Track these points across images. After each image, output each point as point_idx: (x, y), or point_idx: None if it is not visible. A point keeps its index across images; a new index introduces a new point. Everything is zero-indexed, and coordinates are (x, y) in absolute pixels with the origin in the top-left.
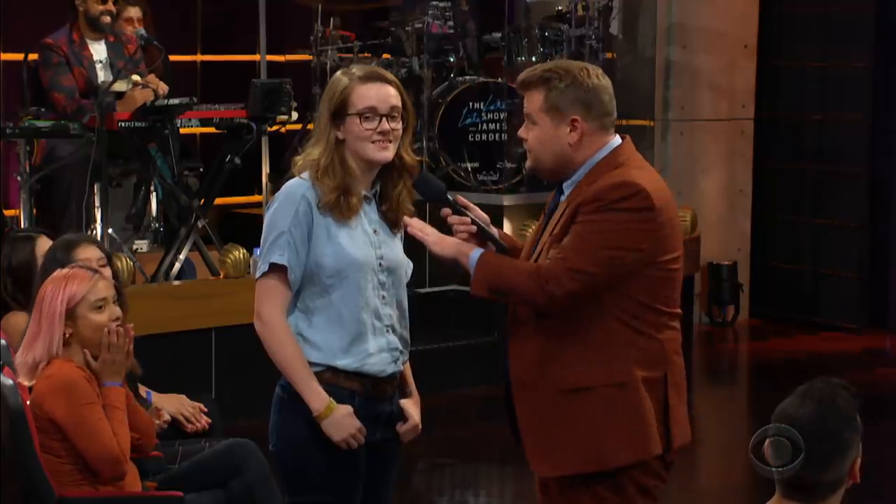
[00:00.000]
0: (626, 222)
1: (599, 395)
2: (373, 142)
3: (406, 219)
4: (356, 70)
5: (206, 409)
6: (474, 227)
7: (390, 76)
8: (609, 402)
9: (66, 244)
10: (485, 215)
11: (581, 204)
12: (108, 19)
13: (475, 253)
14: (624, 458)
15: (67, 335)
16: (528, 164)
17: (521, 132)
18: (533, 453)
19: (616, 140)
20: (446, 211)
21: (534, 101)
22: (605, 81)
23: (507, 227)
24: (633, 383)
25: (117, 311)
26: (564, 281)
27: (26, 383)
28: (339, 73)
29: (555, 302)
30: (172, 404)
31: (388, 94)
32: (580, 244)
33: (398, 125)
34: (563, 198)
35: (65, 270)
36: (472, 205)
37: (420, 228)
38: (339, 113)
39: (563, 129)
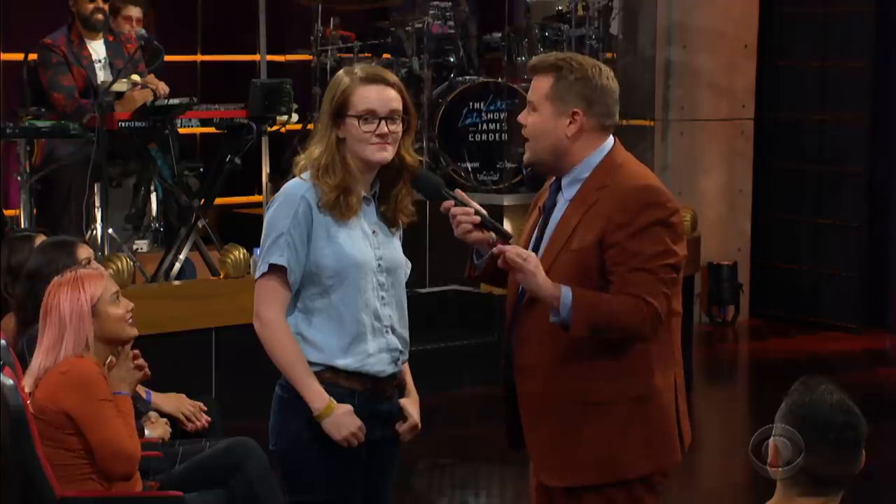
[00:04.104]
0: (664, 233)
1: (620, 408)
2: (371, 143)
3: (503, 248)
4: (358, 70)
5: (205, 409)
6: (478, 218)
7: (392, 78)
8: (629, 414)
9: (61, 245)
10: (483, 210)
11: (609, 220)
12: (100, 17)
13: (567, 293)
14: (643, 468)
15: (92, 335)
16: (525, 156)
17: (521, 117)
18: (545, 465)
19: (611, 141)
20: (448, 203)
21: (539, 88)
22: (614, 84)
23: (508, 228)
24: (653, 395)
25: (129, 302)
26: (662, 310)
27: (28, 389)
28: (341, 72)
29: (658, 331)
30: (172, 403)
31: (388, 97)
32: (650, 269)
33: (397, 127)
34: (561, 196)
35: (70, 273)
36: (470, 199)
37: (518, 257)
38: (340, 113)
39: (563, 120)
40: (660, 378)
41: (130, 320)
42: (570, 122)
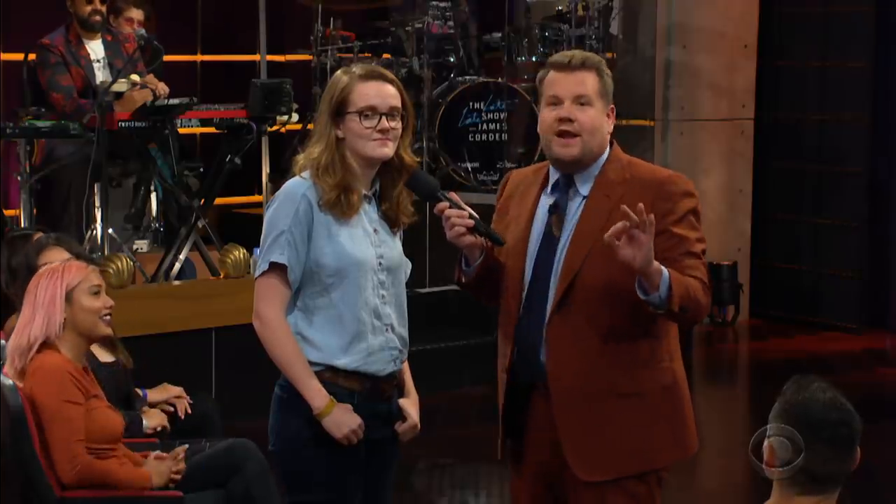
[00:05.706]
0: (696, 220)
1: (650, 398)
2: (372, 139)
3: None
4: (356, 69)
5: (180, 393)
6: (471, 222)
7: (390, 75)
8: (658, 404)
9: (37, 245)
10: (476, 215)
11: (654, 208)
12: (97, 18)
13: (664, 269)
14: (668, 457)
15: (62, 320)
16: (574, 150)
17: (570, 112)
18: (578, 459)
19: None
20: (443, 205)
21: (589, 83)
22: None
23: None
24: (676, 384)
25: (110, 300)
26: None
27: (10, 370)
28: (339, 71)
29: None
30: (161, 394)
31: (387, 93)
32: (696, 254)
33: (398, 124)
34: (576, 193)
35: (56, 264)
36: (464, 204)
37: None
38: (340, 111)
39: (604, 116)
40: (678, 367)
41: (107, 317)
42: (609, 118)
